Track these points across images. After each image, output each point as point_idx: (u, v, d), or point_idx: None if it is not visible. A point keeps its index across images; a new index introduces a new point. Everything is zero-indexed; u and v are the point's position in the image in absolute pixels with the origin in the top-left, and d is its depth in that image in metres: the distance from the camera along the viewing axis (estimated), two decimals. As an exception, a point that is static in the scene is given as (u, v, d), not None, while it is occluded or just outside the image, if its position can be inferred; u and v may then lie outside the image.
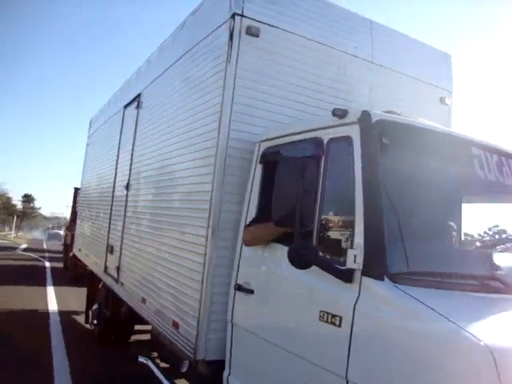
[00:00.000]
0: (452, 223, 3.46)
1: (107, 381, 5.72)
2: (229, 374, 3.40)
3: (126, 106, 7.31)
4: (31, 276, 14.54)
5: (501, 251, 3.28)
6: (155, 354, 5.13)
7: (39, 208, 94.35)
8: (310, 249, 2.59)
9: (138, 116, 6.47)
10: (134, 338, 7.11)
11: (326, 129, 2.91)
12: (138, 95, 6.62)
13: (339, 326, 2.42)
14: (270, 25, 4.07)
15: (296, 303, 2.86)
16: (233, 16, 3.90)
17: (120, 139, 7.31)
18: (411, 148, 2.78)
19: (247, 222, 3.37)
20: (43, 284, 13.09)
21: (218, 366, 3.53)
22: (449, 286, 2.39)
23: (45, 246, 36.49)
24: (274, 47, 4.10)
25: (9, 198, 74.10)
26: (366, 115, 2.66)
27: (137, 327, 6.77)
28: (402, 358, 2.11)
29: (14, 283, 12.25)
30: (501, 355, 1.86)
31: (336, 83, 4.41)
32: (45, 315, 8.87)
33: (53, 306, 9.86)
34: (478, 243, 3.57)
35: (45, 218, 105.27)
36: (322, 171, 2.81)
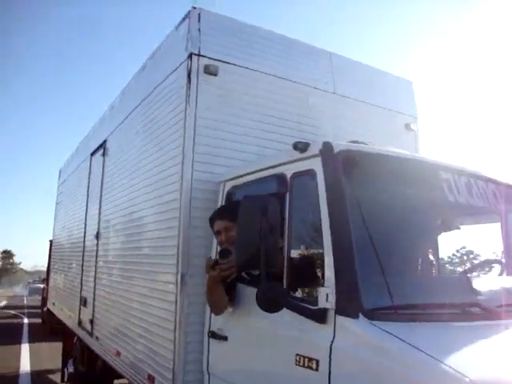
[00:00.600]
0: (429, 250, 3.36)
1: None
2: None
3: (92, 154, 7.17)
4: (6, 334, 13.91)
5: (479, 275, 3.18)
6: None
7: (19, 263, 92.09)
8: (279, 291, 2.43)
9: (104, 163, 6.33)
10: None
11: (288, 163, 2.81)
12: (104, 142, 6.50)
13: (316, 369, 2.25)
14: (228, 63, 4.04)
15: (271, 348, 2.67)
16: (190, 56, 3.85)
17: (88, 187, 7.14)
18: (377, 177, 2.69)
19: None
20: (18, 342, 12.49)
21: None
22: (428, 318, 2.26)
23: (25, 302, 35.31)
24: (234, 85, 4.04)
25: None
26: (327, 146, 2.56)
27: (117, 382, 6.38)
28: None
29: None
30: None
31: (299, 117, 4.36)
32: (14, 378, 8.29)
33: (25, 365, 9.31)
34: (457, 269, 3.48)
35: (26, 272, 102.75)
36: (287, 208, 2.68)
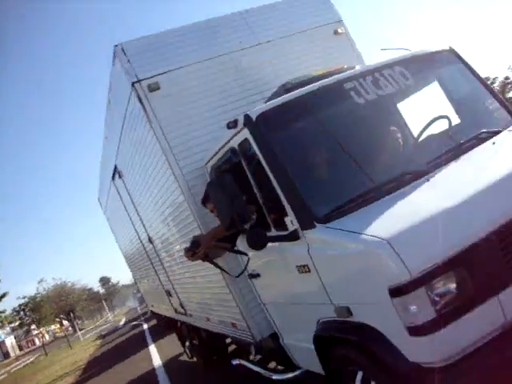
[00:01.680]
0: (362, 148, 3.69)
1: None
2: (282, 340, 4.14)
3: (112, 179, 8.12)
4: (134, 344, 15.80)
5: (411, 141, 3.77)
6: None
7: (117, 282, 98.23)
8: (259, 233, 3.27)
9: (124, 184, 7.28)
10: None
11: (233, 138, 3.57)
12: (115, 166, 7.41)
13: (309, 271, 3.12)
14: (164, 72, 4.71)
15: (284, 269, 3.56)
16: (133, 85, 4.58)
17: (125, 206, 8.16)
18: (293, 117, 3.41)
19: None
20: (145, 345, 14.25)
21: (274, 338, 4.27)
22: (367, 202, 2.98)
23: (139, 311, 38.32)
24: (177, 86, 4.74)
25: (91, 289, 77.84)
26: (247, 118, 3.32)
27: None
28: (349, 272, 2.81)
29: (123, 358, 13.48)
30: (399, 241, 2.47)
31: (240, 81, 4.99)
32: (152, 374, 9.76)
33: (156, 360, 10.91)
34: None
35: (127, 286, 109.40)
36: (247, 171, 3.47)
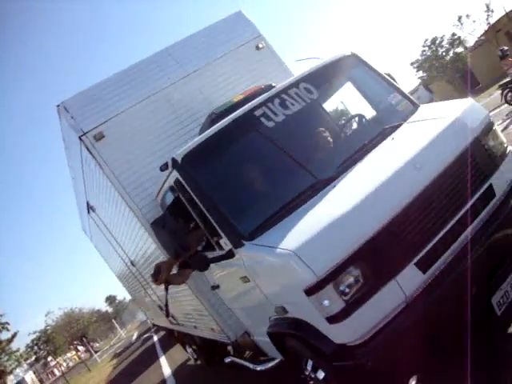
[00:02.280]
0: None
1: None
2: (253, 336, 4.72)
3: (88, 212, 8.62)
4: (146, 359, 16.37)
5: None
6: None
7: (123, 299, 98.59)
8: (201, 258, 3.83)
9: (99, 217, 7.80)
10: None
11: (168, 178, 4.11)
12: (87, 202, 7.92)
13: (249, 281, 3.68)
14: (105, 121, 5.21)
15: (233, 280, 4.07)
16: (80, 138, 5.09)
17: (105, 235, 8.68)
18: (214, 151, 3.97)
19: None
20: (156, 358, 14.83)
21: (247, 335, 4.85)
22: (284, 216, 3.52)
23: (149, 323, 38.78)
24: (120, 130, 5.24)
25: (99, 310, 78.18)
26: (174, 160, 3.86)
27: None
28: (274, 279, 3.39)
29: (138, 374, 14.22)
30: (303, 250, 3.03)
31: (176, 114, 5.51)
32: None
33: (167, 370, 11.61)
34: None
35: (133, 301, 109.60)
36: (186, 204, 3.99)
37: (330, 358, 3.14)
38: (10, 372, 22.07)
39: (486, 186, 3.51)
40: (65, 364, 69.37)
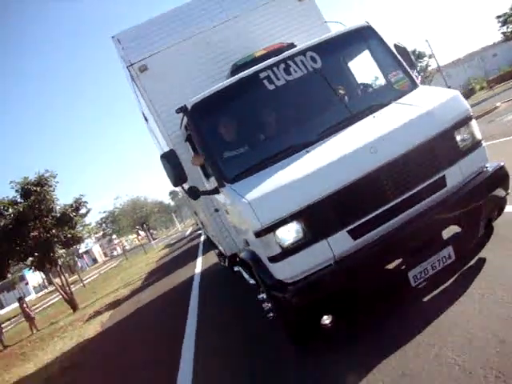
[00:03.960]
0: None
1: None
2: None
3: (146, 121, 9.43)
4: (188, 255, 18.41)
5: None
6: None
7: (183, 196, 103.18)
8: (194, 189, 4.57)
9: (151, 127, 8.72)
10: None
11: (183, 119, 4.84)
12: (142, 112, 8.70)
13: (228, 213, 4.55)
14: (151, 55, 5.94)
15: (223, 209, 4.93)
16: (127, 68, 5.90)
17: (157, 143, 9.57)
18: (219, 104, 4.58)
19: None
20: (196, 257, 16.75)
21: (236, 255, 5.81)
22: (260, 169, 4.13)
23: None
24: (162, 65, 5.95)
25: (161, 202, 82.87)
26: (185, 108, 4.55)
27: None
28: (239, 219, 4.15)
29: (176, 266, 16.94)
30: (253, 201, 3.71)
31: (212, 55, 6.10)
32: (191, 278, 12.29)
33: (198, 269, 13.34)
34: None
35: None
36: (194, 142, 4.73)
37: (270, 288, 3.98)
38: (83, 240, 23.99)
39: (437, 176, 3.91)
40: (126, 243, 76.05)
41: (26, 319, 19.89)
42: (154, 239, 52.16)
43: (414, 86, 4.66)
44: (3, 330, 19.92)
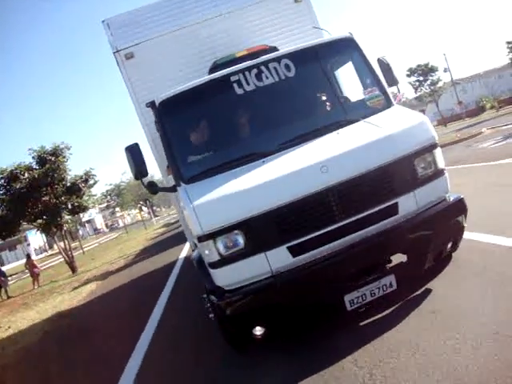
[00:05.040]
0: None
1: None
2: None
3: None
4: (180, 237, 18.35)
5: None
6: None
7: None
8: (152, 185, 4.45)
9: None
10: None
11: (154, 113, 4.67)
12: None
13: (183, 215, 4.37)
14: (137, 44, 5.82)
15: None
16: (114, 54, 5.75)
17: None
18: (187, 103, 4.44)
19: None
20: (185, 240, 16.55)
21: None
22: (214, 173, 4.00)
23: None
24: (148, 55, 5.85)
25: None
26: (153, 103, 4.45)
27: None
28: (188, 220, 3.93)
29: (167, 246, 17.53)
30: (198, 207, 3.61)
31: (199, 49, 5.95)
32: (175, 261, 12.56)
33: (183, 254, 13.51)
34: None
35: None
36: (160, 135, 4.55)
37: (208, 292, 3.93)
38: (88, 209, 25.40)
39: (390, 203, 3.75)
40: (129, 218, 76.35)
41: (30, 275, 21.87)
42: (155, 216, 52.34)
43: (388, 104, 4.48)
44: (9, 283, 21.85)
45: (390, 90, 4.66)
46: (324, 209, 3.64)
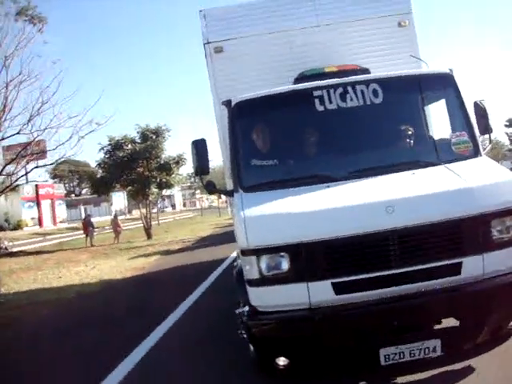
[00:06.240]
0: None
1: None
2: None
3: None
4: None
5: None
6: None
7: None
8: (210, 184, 4.22)
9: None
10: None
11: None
12: None
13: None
14: (229, 39, 5.61)
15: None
16: (204, 45, 5.55)
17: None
18: (263, 109, 4.21)
19: None
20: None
21: None
22: (276, 187, 3.73)
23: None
24: (238, 52, 5.64)
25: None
26: (228, 102, 4.23)
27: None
28: (236, 224, 3.75)
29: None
30: (249, 220, 3.36)
31: (291, 56, 5.56)
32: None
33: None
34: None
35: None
36: (229, 136, 4.29)
37: (249, 316, 3.54)
38: (173, 185, 27.81)
39: (453, 261, 3.30)
40: (207, 202, 78.20)
41: (113, 231, 25.15)
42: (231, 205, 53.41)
43: (475, 153, 4.00)
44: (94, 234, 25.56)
45: (481, 138, 4.17)
46: (381, 251, 3.28)
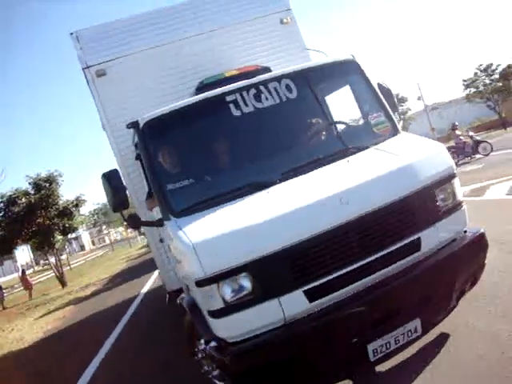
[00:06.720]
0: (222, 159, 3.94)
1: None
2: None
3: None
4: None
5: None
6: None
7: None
8: (134, 218, 3.65)
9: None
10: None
11: (134, 135, 3.98)
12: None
13: (170, 250, 3.68)
14: (110, 60, 5.04)
15: (166, 241, 4.00)
16: (83, 70, 4.90)
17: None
18: (175, 125, 3.72)
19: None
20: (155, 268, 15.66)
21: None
22: (212, 206, 3.29)
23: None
24: (123, 72, 5.06)
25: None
26: (137, 124, 3.69)
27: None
28: (181, 259, 3.26)
29: (139, 273, 16.46)
30: (199, 245, 2.90)
31: (181, 68, 5.20)
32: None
33: (146, 288, 12.47)
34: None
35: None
36: (143, 162, 3.79)
37: (207, 345, 3.10)
38: (77, 228, 26.51)
39: (412, 238, 3.23)
40: (116, 235, 74.30)
41: (24, 288, 23.97)
42: (140, 235, 51.37)
43: (395, 131, 3.97)
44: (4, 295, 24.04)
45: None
46: (344, 246, 3.05)
